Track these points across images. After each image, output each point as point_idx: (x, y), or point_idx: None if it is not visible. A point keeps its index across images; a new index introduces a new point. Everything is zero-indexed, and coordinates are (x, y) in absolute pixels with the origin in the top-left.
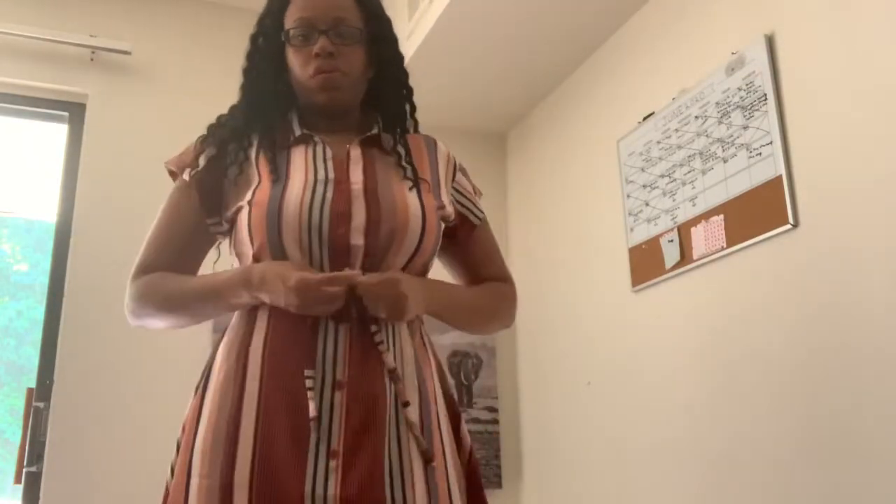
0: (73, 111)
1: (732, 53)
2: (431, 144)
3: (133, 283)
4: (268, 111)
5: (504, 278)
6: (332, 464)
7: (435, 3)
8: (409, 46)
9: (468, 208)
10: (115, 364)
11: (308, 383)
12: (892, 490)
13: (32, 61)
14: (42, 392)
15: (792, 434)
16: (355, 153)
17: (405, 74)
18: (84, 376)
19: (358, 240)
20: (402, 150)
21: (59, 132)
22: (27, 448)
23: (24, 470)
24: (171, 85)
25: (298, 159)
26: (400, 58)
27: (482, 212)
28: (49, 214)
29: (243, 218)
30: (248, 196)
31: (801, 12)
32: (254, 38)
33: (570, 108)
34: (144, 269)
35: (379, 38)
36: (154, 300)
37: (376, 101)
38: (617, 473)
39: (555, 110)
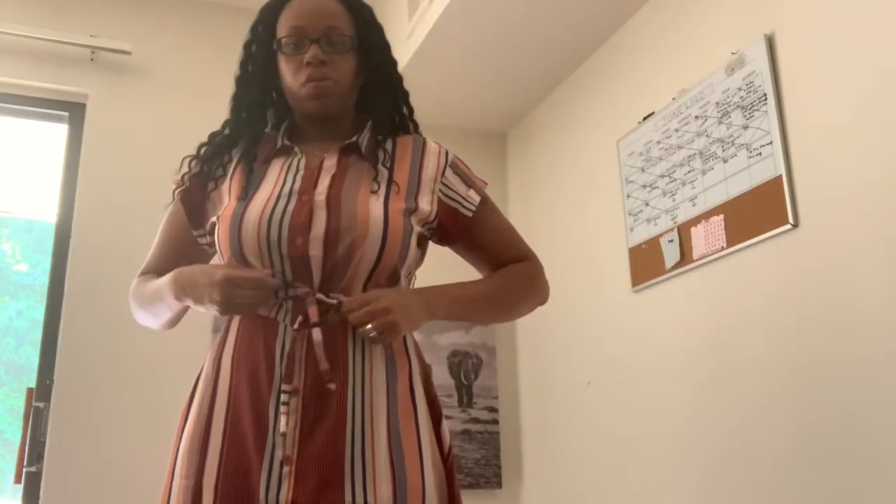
0: (73, 111)
1: (732, 53)
2: (419, 144)
3: (133, 283)
4: (255, 123)
5: (524, 257)
6: (286, 470)
7: (435, 3)
8: (409, 46)
9: (457, 201)
10: (115, 364)
11: (278, 396)
12: (891, 490)
13: (32, 61)
14: (42, 392)
15: (791, 434)
16: (329, 162)
17: (399, 78)
18: (84, 376)
19: (316, 250)
20: (380, 155)
21: (59, 132)
22: (27, 448)
23: (24, 470)
24: (171, 85)
25: (273, 172)
26: (392, 63)
27: (475, 202)
28: (49, 214)
29: (216, 233)
30: (220, 211)
31: (801, 12)
32: (247, 46)
33: (570, 108)
34: (143, 272)
35: (370, 45)
36: (135, 300)
37: (368, 107)
38: (617, 473)
39: (555, 110)
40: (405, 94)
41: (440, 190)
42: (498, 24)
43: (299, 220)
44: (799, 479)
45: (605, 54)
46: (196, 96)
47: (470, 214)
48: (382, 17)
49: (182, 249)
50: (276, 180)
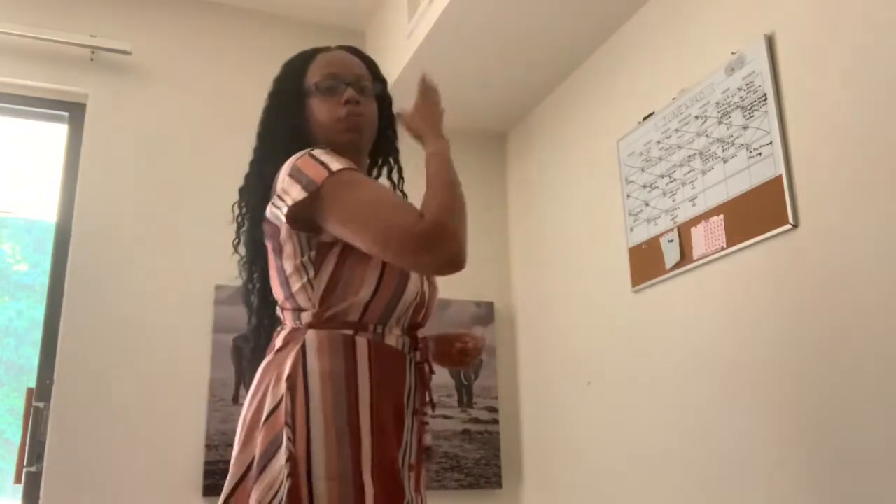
0: (73, 111)
1: (732, 53)
2: None
3: (430, 226)
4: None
5: None
6: (411, 474)
7: (435, 3)
8: (409, 46)
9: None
10: (115, 364)
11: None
12: (891, 490)
13: (32, 61)
14: (42, 392)
15: (791, 433)
16: None
17: (395, 127)
18: (84, 376)
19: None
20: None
21: (59, 132)
22: (27, 448)
23: (24, 470)
24: (171, 85)
25: None
26: (392, 115)
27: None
28: (49, 214)
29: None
30: None
31: (801, 12)
32: (273, 95)
33: (570, 108)
34: (419, 215)
35: (383, 98)
36: (462, 213)
37: (376, 152)
38: (617, 473)
39: (555, 110)
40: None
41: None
42: (498, 24)
43: None
44: (799, 479)
45: (605, 54)
46: (196, 96)
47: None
48: (382, 17)
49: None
50: None
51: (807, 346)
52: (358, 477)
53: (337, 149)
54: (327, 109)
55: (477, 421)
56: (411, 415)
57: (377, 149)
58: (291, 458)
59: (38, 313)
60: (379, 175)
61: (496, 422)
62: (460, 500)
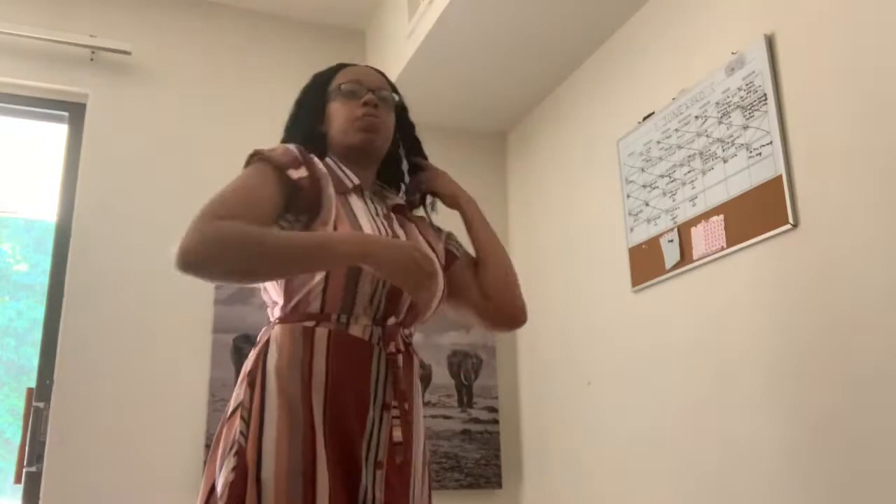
0: (73, 111)
1: (732, 53)
2: (435, 227)
3: (210, 223)
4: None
5: None
6: (379, 473)
7: (435, 3)
8: (409, 46)
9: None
10: (115, 364)
11: (380, 408)
12: (891, 489)
13: (32, 61)
14: (42, 392)
15: (791, 433)
16: (383, 211)
17: (422, 152)
18: (84, 376)
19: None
20: (421, 212)
21: (59, 132)
22: (27, 448)
23: (24, 470)
24: (171, 85)
25: (358, 209)
26: (417, 142)
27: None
28: (49, 214)
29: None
30: (331, 221)
31: (801, 12)
32: (298, 102)
33: (570, 108)
34: (222, 217)
35: (404, 120)
36: (242, 243)
37: (386, 171)
38: (617, 473)
39: (555, 110)
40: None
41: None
42: (498, 24)
43: None
44: (799, 479)
45: (605, 54)
46: (196, 96)
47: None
48: (382, 17)
49: (268, 215)
50: (367, 217)
51: (807, 346)
52: (311, 470)
53: (349, 154)
54: (346, 111)
55: (477, 421)
56: (380, 408)
57: (396, 165)
58: (240, 453)
59: (38, 313)
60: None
61: (496, 422)
62: (460, 500)
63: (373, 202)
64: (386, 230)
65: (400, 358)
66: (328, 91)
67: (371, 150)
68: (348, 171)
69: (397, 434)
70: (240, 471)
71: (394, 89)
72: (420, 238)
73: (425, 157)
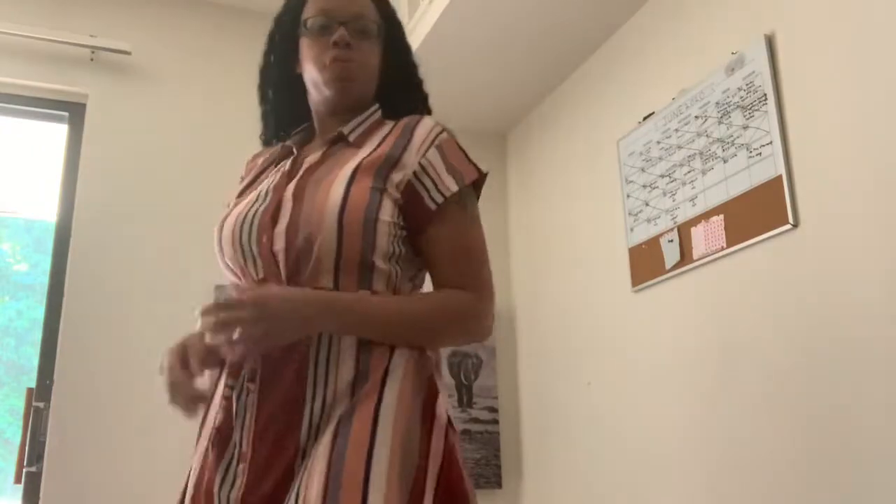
0: (73, 111)
1: (732, 53)
2: (412, 123)
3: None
4: (279, 118)
5: (467, 286)
6: (241, 467)
7: (435, 2)
8: None
9: (425, 187)
10: (115, 364)
11: (226, 391)
12: (891, 489)
13: (32, 61)
14: (42, 392)
15: (791, 433)
16: (314, 155)
17: (419, 81)
18: (84, 376)
19: (279, 244)
20: (373, 138)
21: (59, 132)
22: (27, 448)
23: (24, 470)
24: (171, 85)
25: (267, 175)
26: (413, 65)
27: (447, 193)
28: (49, 214)
29: None
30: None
31: (801, 12)
32: (271, 36)
33: (570, 108)
34: None
35: (393, 40)
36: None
37: (386, 104)
38: (617, 473)
39: (555, 110)
40: (424, 97)
41: (414, 170)
42: (498, 24)
43: (266, 218)
44: (799, 479)
45: (605, 54)
46: (196, 96)
47: (433, 207)
48: None
49: None
50: (266, 183)
51: (806, 345)
52: None
53: (327, 106)
54: (314, 53)
55: (477, 421)
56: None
57: (394, 105)
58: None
59: (38, 313)
60: (385, 124)
61: (496, 422)
62: None
63: (293, 157)
64: (273, 184)
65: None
66: (299, 23)
67: (348, 101)
68: (292, 138)
69: (216, 419)
70: None
71: (381, 7)
72: (325, 170)
73: (422, 92)
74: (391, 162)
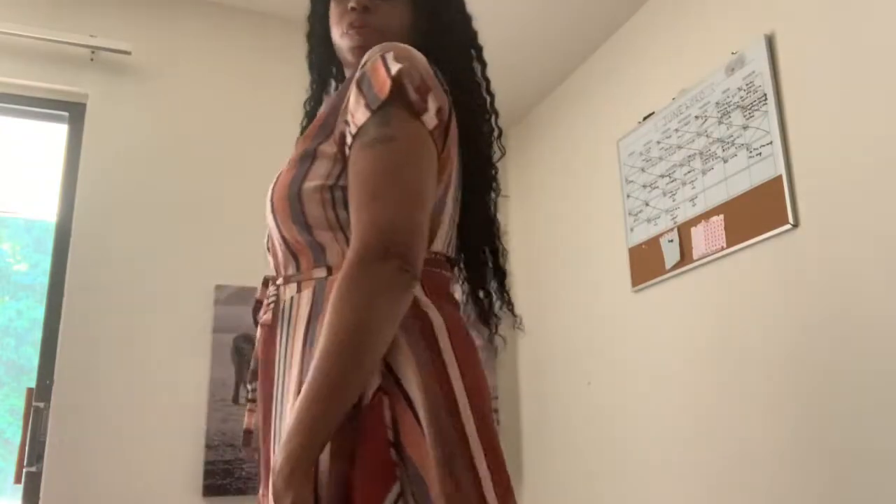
0: (73, 111)
1: (732, 53)
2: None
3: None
4: (324, 84)
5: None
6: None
7: None
8: None
9: (350, 131)
10: (115, 364)
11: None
12: (891, 489)
13: (32, 61)
14: (42, 392)
15: (792, 433)
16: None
17: (467, 36)
18: (84, 376)
19: (268, 219)
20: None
21: (59, 132)
22: (27, 448)
23: (24, 470)
24: (171, 85)
25: None
26: (457, 15)
27: (357, 124)
28: (49, 214)
29: None
30: None
31: (801, 12)
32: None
33: (570, 108)
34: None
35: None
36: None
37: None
38: (617, 474)
39: (555, 110)
40: (479, 50)
41: (345, 117)
42: (498, 24)
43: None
44: (799, 479)
45: (605, 54)
46: (196, 96)
47: (349, 140)
48: None
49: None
50: None
51: (807, 345)
52: None
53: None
54: (336, 20)
55: None
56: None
57: (441, 64)
58: None
59: (38, 313)
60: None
61: (496, 422)
62: None
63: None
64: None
65: (260, 329)
66: None
67: None
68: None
69: (248, 420)
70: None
71: None
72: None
73: (467, 47)
74: (335, 114)
